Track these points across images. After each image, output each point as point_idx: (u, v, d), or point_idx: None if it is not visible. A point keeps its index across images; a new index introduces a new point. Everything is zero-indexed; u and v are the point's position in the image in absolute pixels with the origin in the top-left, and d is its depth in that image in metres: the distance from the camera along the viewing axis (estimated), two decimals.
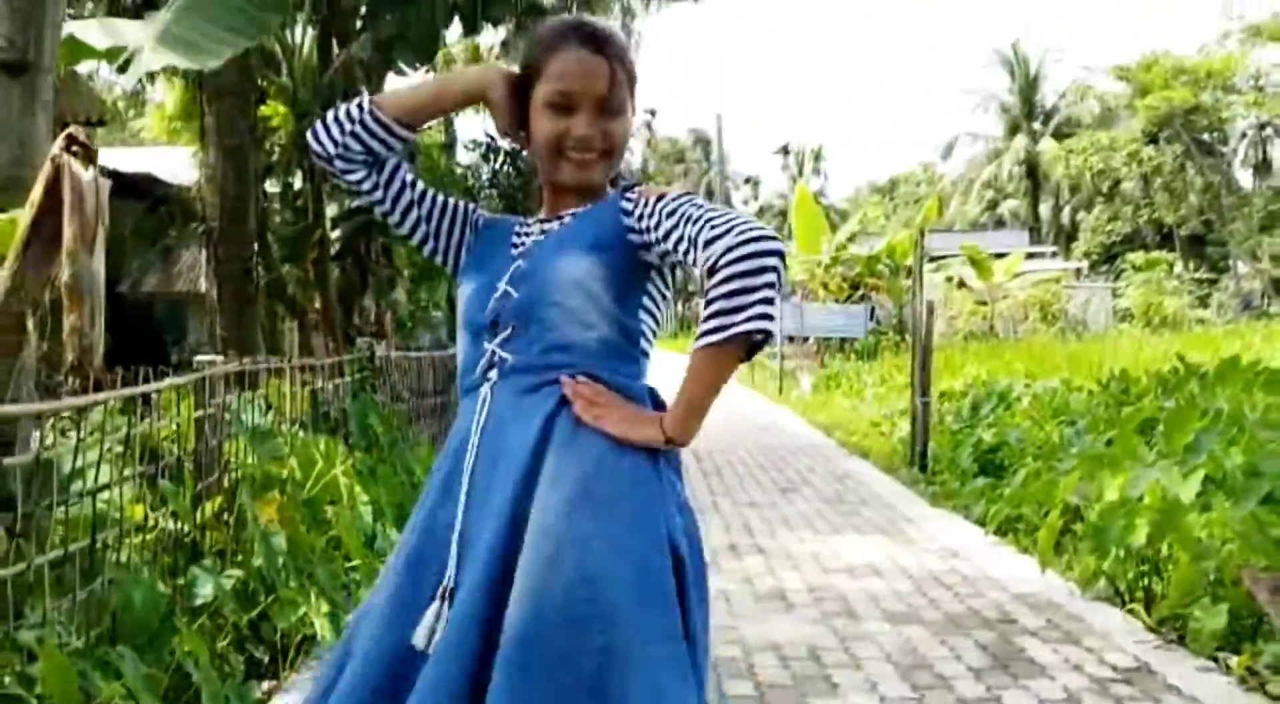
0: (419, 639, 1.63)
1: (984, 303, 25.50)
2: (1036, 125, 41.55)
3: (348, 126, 1.84)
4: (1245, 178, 46.48)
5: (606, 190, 1.84)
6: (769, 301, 1.55)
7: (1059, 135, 40.59)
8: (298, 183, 10.81)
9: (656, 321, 1.80)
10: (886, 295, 23.40)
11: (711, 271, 1.56)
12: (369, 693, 1.63)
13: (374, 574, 4.98)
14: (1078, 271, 35.02)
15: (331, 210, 9.22)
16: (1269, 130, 45.25)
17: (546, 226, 1.82)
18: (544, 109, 1.74)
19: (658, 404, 1.75)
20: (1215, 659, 4.05)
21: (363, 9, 9.17)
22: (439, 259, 1.94)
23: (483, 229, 1.91)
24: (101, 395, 3.64)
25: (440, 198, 1.92)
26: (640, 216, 1.71)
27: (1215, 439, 6.28)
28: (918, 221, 23.42)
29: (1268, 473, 5.47)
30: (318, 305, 9.40)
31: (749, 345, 1.59)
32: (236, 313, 9.28)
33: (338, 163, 1.88)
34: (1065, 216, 42.99)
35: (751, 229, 1.56)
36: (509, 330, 1.72)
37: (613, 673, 1.50)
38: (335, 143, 1.84)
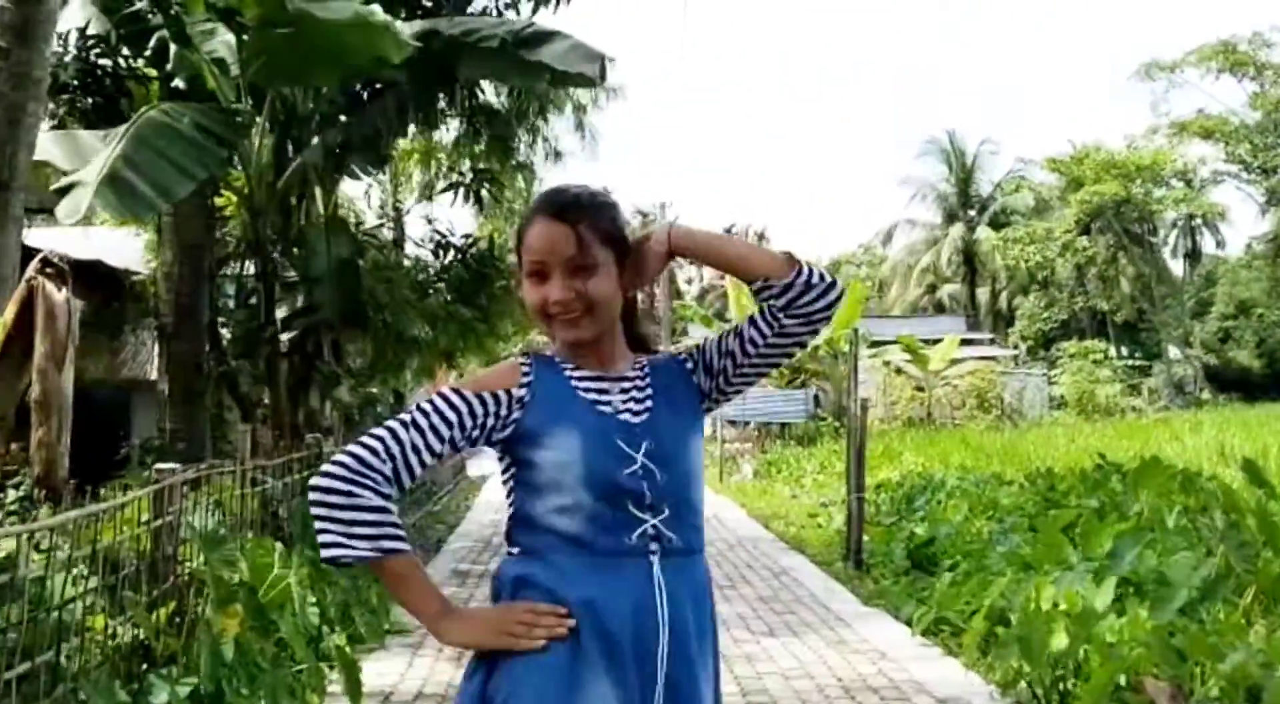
0: None
1: (922, 389, 26.06)
2: (973, 214, 42.81)
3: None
4: (1176, 266, 48.05)
5: (620, 334, 1.97)
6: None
7: (995, 224, 41.84)
8: (250, 270, 11.01)
9: None
10: (827, 381, 23.84)
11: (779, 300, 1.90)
12: None
13: (319, 676, 5.11)
14: (1015, 358, 35.88)
15: (282, 311, 9.43)
16: (1197, 221, 46.94)
17: (626, 386, 1.93)
18: (526, 279, 1.88)
19: None
20: None
21: (317, 116, 9.49)
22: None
23: (532, 387, 1.88)
24: (73, 513, 3.82)
25: (460, 429, 1.84)
26: (694, 360, 2.00)
27: (1132, 545, 6.61)
28: (845, 310, 23.99)
29: (1176, 581, 5.81)
30: (266, 400, 9.55)
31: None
32: (186, 406, 9.40)
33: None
34: (1002, 302, 44.11)
35: None
36: (666, 512, 1.85)
37: None
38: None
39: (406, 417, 1.82)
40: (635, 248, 1.93)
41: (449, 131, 11.03)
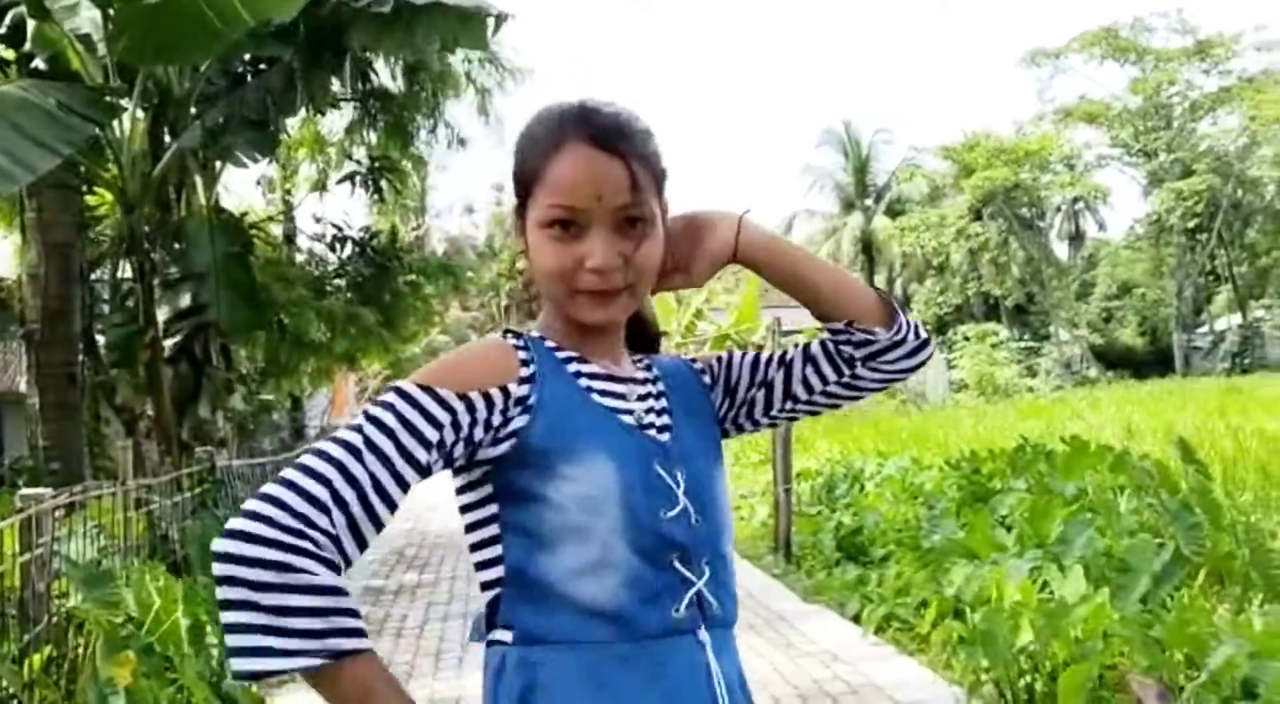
0: None
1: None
2: (870, 202, 43.24)
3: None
4: (1061, 249, 49.32)
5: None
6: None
7: (891, 212, 42.33)
8: (126, 271, 10.22)
9: None
10: None
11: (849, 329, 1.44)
12: None
13: None
14: None
15: (164, 313, 8.69)
16: (1080, 204, 48.22)
17: (641, 391, 1.38)
18: (544, 231, 1.29)
19: None
20: None
21: (195, 97, 8.76)
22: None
23: (536, 385, 1.30)
24: None
25: (438, 448, 1.23)
26: (713, 374, 1.50)
27: (1082, 530, 6.37)
28: (744, 298, 23.79)
29: (1137, 567, 5.56)
30: (149, 411, 8.80)
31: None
32: (59, 421, 8.61)
33: None
34: (899, 288, 44.67)
35: None
36: (705, 571, 1.32)
37: None
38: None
39: (356, 437, 1.17)
40: (679, 232, 1.39)
41: (342, 117, 10.37)
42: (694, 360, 1.51)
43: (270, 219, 11.42)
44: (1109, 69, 54.48)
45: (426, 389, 1.22)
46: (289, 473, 1.16)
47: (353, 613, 1.14)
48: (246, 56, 8.81)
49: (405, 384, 1.24)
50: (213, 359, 9.13)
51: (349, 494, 1.16)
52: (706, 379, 1.49)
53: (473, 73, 10.68)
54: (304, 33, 7.04)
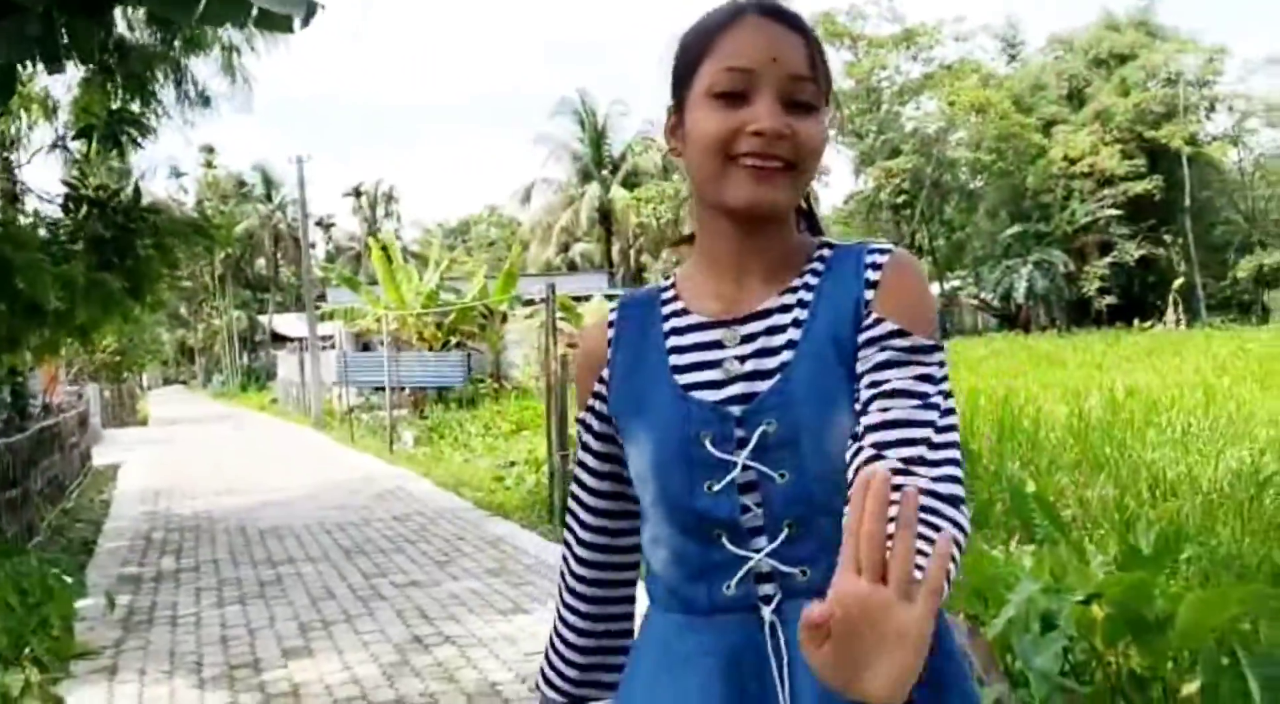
0: None
1: (574, 345, 26.27)
2: (606, 173, 43.75)
3: None
4: None
5: (794, 236, 1.27)
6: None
7: (628, 184, 43.02)
8: None
9: None
10: (483, 344, 23.47)
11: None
12: None
13: None
14: None
15: None
16: None
17: (751, 328, 1.22)
18: (708, 101, 1.17)
19: None
20: None
21: None
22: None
23: (611, 353, 1.30)
24: None
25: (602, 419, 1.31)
26: (878, 315, 1.17)
27: None
28: (505, 268, 23.78)
29: None
30: None
31: None
32: None
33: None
34: (635, 259, 45.48)
35: (963, 515, 1.06)
36: (785, 531, 1.17)
37: None
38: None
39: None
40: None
41: (78, 70, 9.41)
42: (874, 245, 1.24)
43: None
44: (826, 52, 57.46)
45: (579, 421, 1.36)
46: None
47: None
48: None
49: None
50: None
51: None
52: (873, 275, 1.20)
53: (220, 30, 9.91)
54: None
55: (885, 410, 1.10)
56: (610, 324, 1.32)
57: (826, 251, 1.26)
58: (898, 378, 1.12)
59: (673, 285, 1.31)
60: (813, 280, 1.23)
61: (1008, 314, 45.73)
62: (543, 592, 6.61)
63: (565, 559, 1.39)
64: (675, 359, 1.24)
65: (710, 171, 1.18)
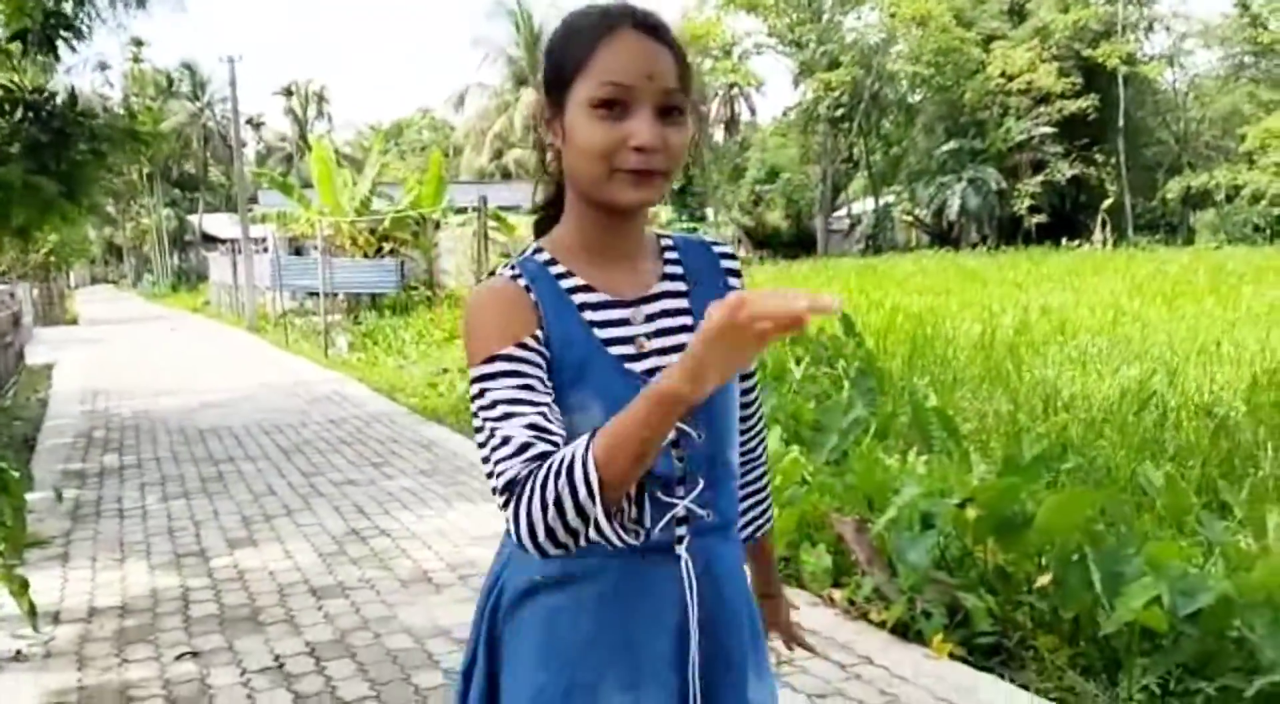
0: None
1: (508, 255, 26.41)
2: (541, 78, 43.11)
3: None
4: (718, 135, 51.74)
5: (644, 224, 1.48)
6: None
7: None
8: None
9: None
10: (415, 250, 23.52)
11: (754, 460, 1.70)
12: None
13: None
14: None
15: None
16: (736, 91, 50.62)
17: (652, 309, 1.44)
18: (588, 110, 1.33)
19: None
20: (821, 595, 4.74)
21: None
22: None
23: (544, 323, 1.37)
24: None
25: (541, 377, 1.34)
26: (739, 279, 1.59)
27: (767, 395, 7.19)
28: (428, 175, 23.64)
29: (829, 426, 6.41)
30: None
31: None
32: None
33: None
34: None
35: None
36: (700, 482, 1.42)
37: None
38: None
39: (486, 401, 1.29)
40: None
41: None
42: (722, 245, 1.57)
43: None
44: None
45: (493, 359, 1.31)
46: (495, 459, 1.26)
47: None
48: None
49: (475, 370, 1.32)
50: None
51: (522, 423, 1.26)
52: (731, 269, 1.55)
53: None
54: None
55: (749, 376, 1.66)
56: (526, 288, 1.38)
57: (666, 240, 1.52)
58: None
59: (554, 260, 1.43)
60: (677, 269, 1.49)
61: (940, 231, 46.31)
62: (472, 491, 7.00)
63: (559, 446, 1.26)
64: (600, 333, 1.39)
65: (594, 177, 1.35)
